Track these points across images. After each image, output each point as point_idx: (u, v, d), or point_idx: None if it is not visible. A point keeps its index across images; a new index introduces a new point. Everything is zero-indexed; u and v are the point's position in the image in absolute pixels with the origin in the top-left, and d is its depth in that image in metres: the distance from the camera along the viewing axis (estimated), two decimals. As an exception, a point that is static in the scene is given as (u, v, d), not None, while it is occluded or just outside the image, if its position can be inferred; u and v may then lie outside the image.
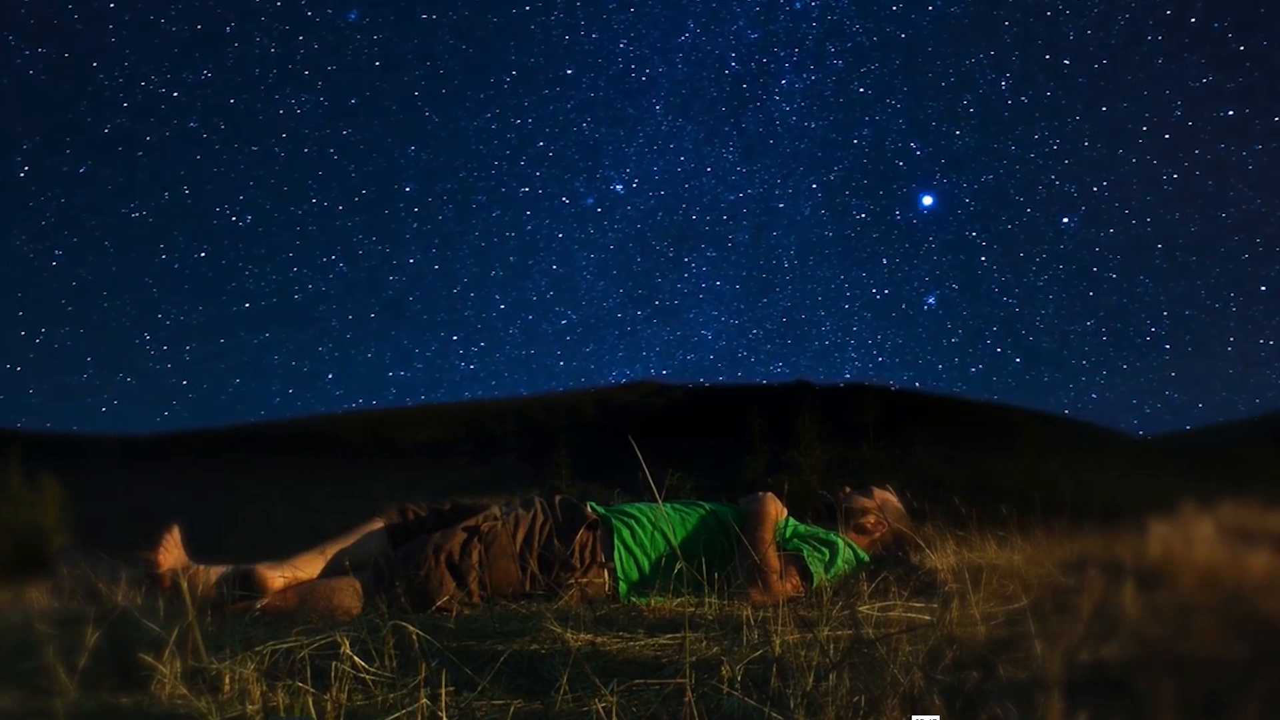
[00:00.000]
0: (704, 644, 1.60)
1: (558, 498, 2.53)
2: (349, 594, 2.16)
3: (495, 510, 2.43)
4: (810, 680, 1.24)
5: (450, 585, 2.20)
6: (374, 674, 1.40)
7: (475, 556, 2.25)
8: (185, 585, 1.72)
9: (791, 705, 1.18)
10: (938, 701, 1.12)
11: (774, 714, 1.15)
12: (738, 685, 1.25)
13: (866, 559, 2.52)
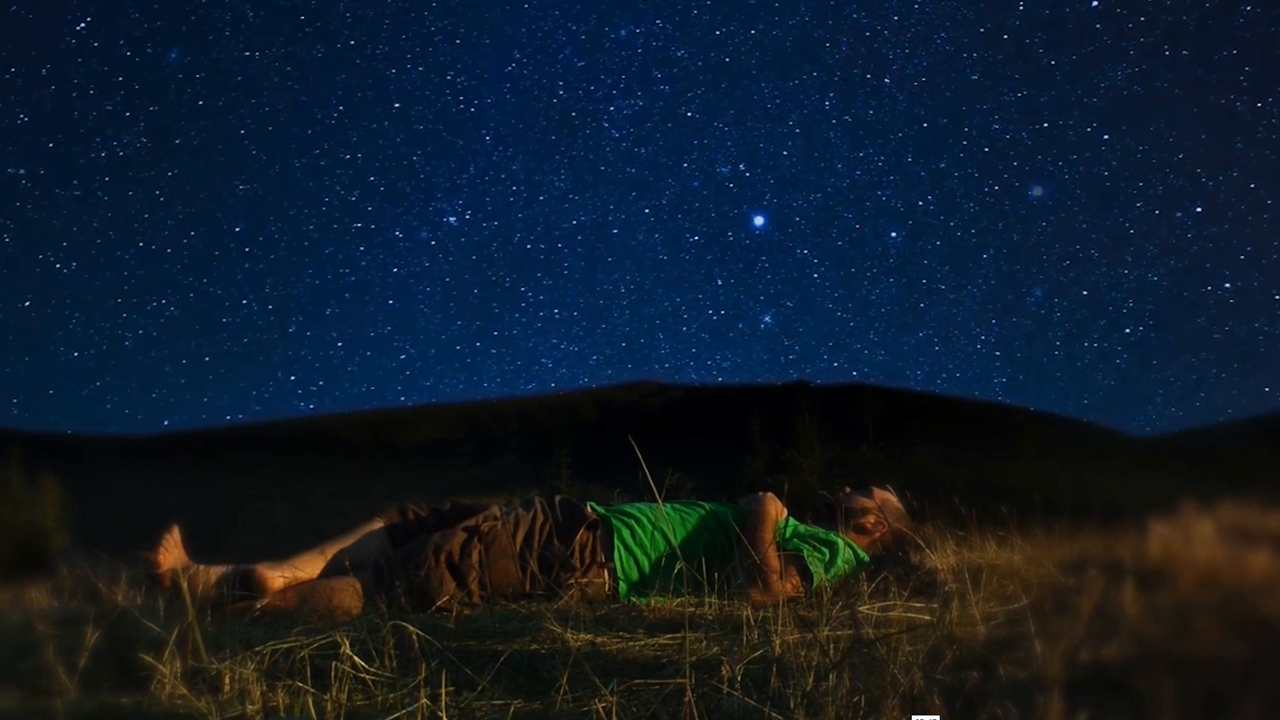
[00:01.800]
0: (704, 644, 1.60)
1: (558, 498, 2.53)
2: (349, 594, 2.16)
3: (495, 510, 2.43)
4: (810, 680, 1.24)
5: (450, 585, 2.20)
6: (374, 674, 1.40)
7: (475, 556, 2.25)
8: (185, 585, 1.72)
9: (791, 705, 1.18)
10: (938, 701, 1.12)
11: (774, 714, 1.15)
12: (738, 685, 1.25)
13: (866, 559, 2.52)
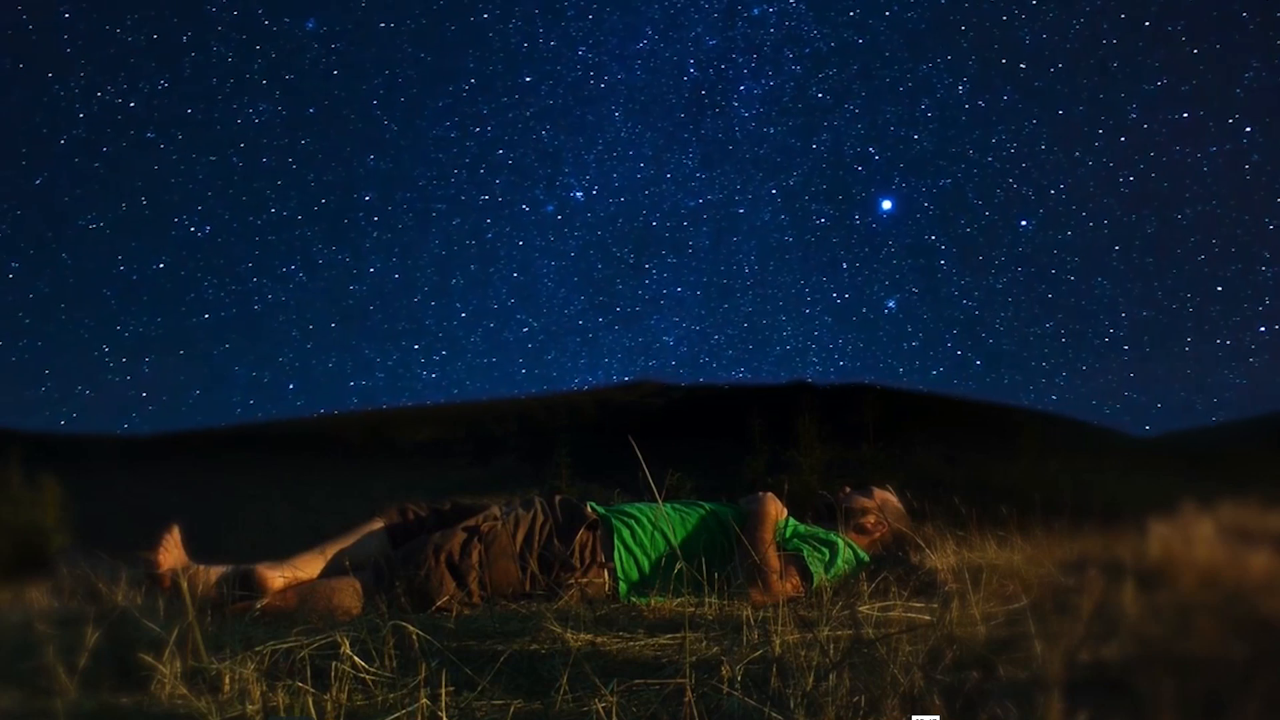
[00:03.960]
0: (704, 644, 1.60)
1: (558, 498, 2.53)
2: (349, 594, 2.16)
3: (495, 510, 2.43)
4: (810, 680, 1.24)
5: (450, 585, 2.20)
6: (374, 674, 1.40)
7: (475, 556, 2.25)
8: (185, 585, 1.72)
9: (791, 705, 1.18)
10: (938, 701, 1.12)
11: (774, 714, 1.15)
12: (738, 685, 1.25)
13: (866, 559, 2.52)
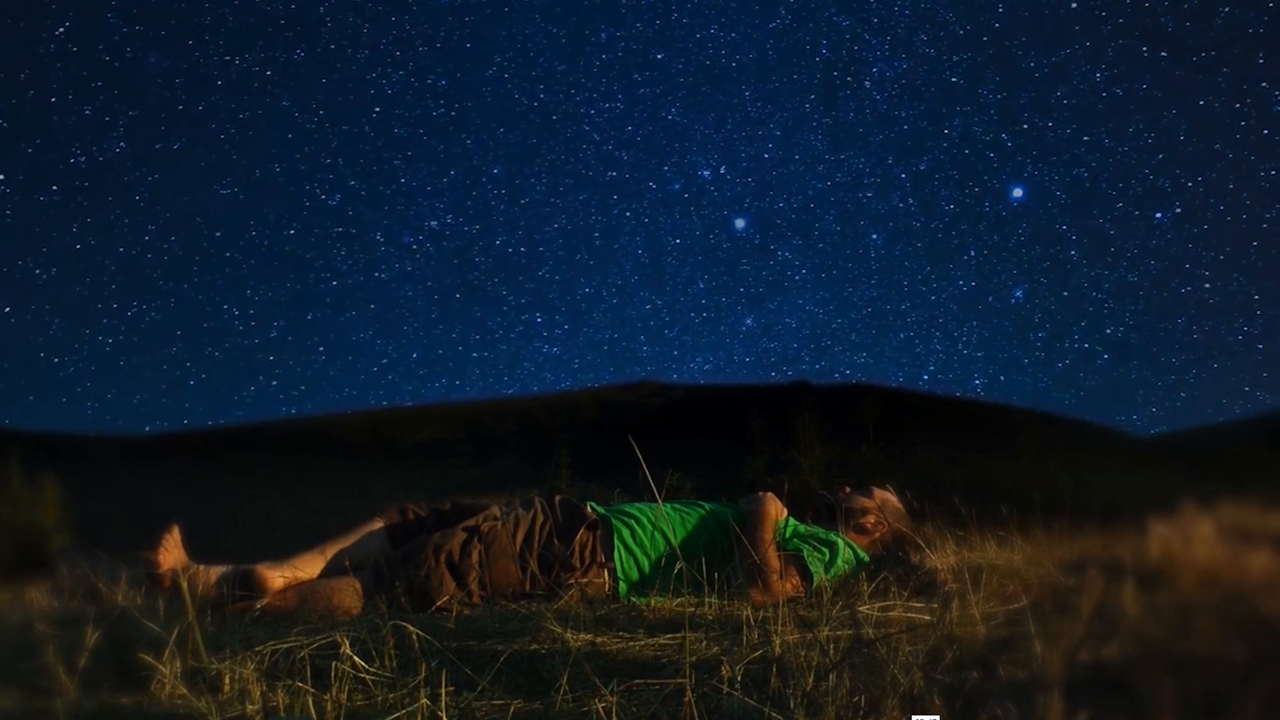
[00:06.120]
0: (704, 644, 1.60)
1: (558, 498, 2.53)
2: (349, 594, 2.16)
3: (495, 510, 2.43)
4: (810, 680, 1.24)
5: (450, 585, 2.20)
6: (374, 674, 1.40)
7: (475, 556, 2.25)
8: (185, 585, 1.72)
9: (791, 705, 1.18)
10: (938, 701, 1.12)
11: (774, 714, 1.15)
12: (738, 685, 1.25)
13: (866, 559, 2.52)
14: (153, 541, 2.16)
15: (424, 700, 1.23)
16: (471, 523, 2.34)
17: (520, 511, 2.42)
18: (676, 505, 2.54)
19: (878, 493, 2.80)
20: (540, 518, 2.41)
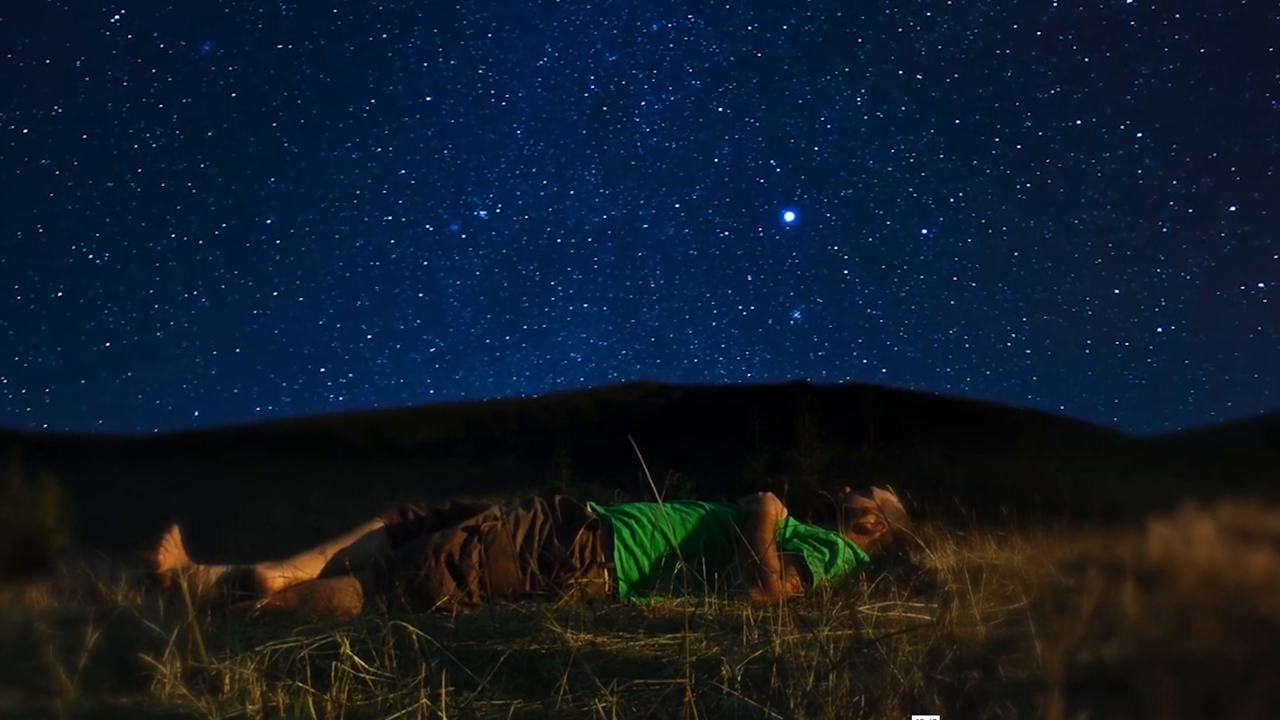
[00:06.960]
0: (704, 644, 1.60)
1: (558, 498, 2.53)
2: (349, 594, 2.16)
3: (495, 510, 2.43)
4: (810, 680, 1.24)
5: (450, 585, 2.20)
6: (374, 674, 1.40)
7: (475, 556, 2.25)
8: (185, 585, 1.72)
9: (791, 705, 1.18)
10: (938, 701, 1.12)
11: (774, 714, 1.15)
12: (738, 685, 1.25)
13: (866, 559, 2.52)
14: (153, 541, 2.16)
15: (424, 700, 1.23)
16: (471, 523, 2.34)
17: (520, 511, 2.42)
18: (676, 505, 2.54)
19: (878, 493, 2.80)
20: (540, 518, 2.41)
